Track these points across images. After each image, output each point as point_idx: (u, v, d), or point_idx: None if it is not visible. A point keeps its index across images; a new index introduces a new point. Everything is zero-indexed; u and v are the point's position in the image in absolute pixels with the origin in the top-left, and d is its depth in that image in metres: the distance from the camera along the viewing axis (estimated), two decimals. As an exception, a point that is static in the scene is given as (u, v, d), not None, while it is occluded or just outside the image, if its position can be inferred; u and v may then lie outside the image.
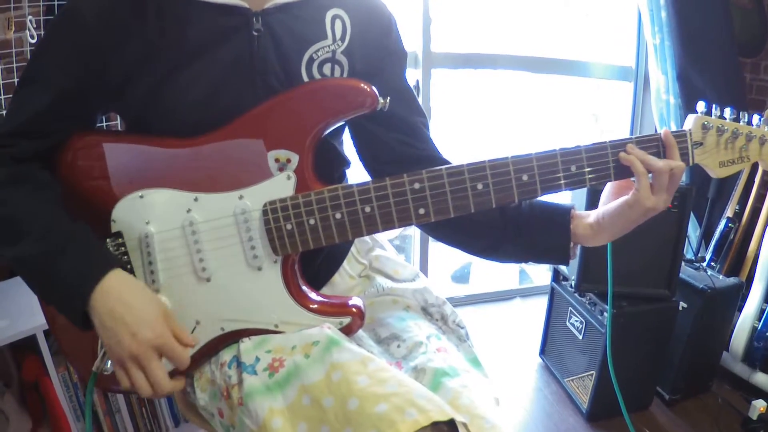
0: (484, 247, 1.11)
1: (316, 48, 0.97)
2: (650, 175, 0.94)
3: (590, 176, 0.94)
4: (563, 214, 1.03)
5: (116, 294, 0.86)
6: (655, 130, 2.81)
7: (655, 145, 0.95)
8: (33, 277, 0.90)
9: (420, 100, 2.60)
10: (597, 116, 3.60)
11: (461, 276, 3.44)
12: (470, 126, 3.56)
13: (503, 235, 1.07)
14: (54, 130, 0.94)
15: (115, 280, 0.87)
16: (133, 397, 1.89)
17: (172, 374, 0.93)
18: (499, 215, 1.03)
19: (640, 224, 0.99)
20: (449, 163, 1.01)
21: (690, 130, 0.96)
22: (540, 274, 3.48)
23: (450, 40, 2.88)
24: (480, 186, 0.92)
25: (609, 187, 1.02)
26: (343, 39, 0.99)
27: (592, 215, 1.02)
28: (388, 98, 0.93)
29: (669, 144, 0.95)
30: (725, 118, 0.96)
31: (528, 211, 1.04)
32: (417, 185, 0.92)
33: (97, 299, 0.85)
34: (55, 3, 1.83)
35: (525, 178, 0.92)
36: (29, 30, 1.81)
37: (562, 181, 0.93)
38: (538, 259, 1.10)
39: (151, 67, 0.91)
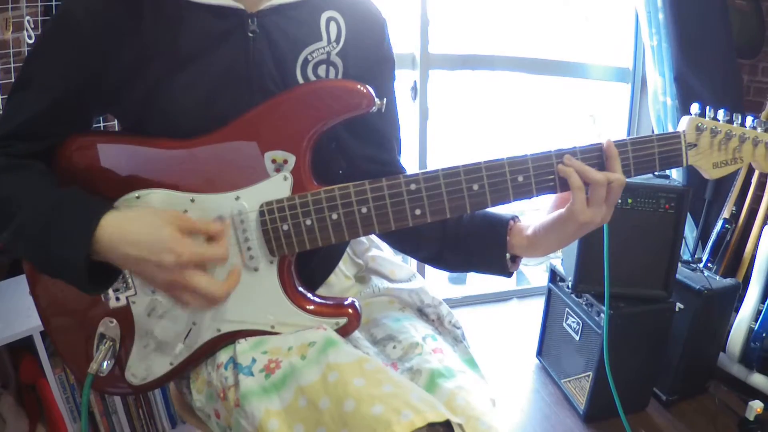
0: (426, 257, 1.12)
1: (311, 49, 0.97)
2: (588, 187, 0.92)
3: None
4: (501, 225, 1.02)
5: (120, 237, 0.82)
6: (652, 131, 2.84)
7: (598, 156, 0.94)
8: (32, 251, 0.87)
9: (418, 101, 2.61)
10: (594, 118, 3.61)
11: (458, 277, 3.44)
12: (468, 127, 3.56)
13: (444, 246, 1.08)
14: (50, 133, 0.94)
15: (111, 226, 0.83)
16: (129, 398, 1.89)
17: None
18: (441, 225, 1.02)
19: (582, 236, 0.96)
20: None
21: (684, 131, 0.96)
22: (537, 275, 3.48)
23: (448, 41, 2.89)
24: (476, 187, 0.92)
25: (553, 199, 1.00)
26: (338, 41, 0.99)
27: (531, 227, 1.00)
28: (385, 100, 0.93)
29: (610, 155, 0.93)
30: (719, 120, 0.96)
31: (468, 221, 1.04)
32: (413, 186, 0.92)
33: (106, 253, 0.82)
34: (53, 3, 1.83)
35: (520, 179, 0.93)
36: (27, 30, 1.81)
37: (557, 182, 0.94)
38: (479, 270, 1.09)
39: (148, 69, 0.90)
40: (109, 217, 0.83)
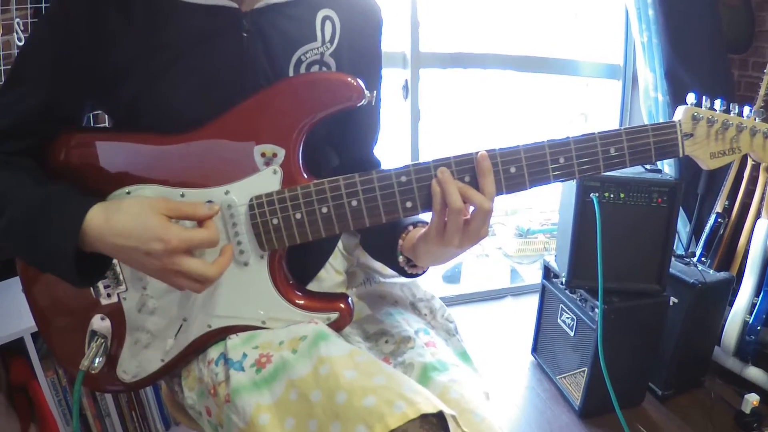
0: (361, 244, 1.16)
1: (304, 50, 0.96)
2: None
3: (579, 168, 0.93)
4: (400, 228, 1.00)
5: (108, 229, 0.83)
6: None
7: (471, 168, 0.89)
8: (22, 245, 0.88)
9: (409, 100, 2.61)
10: (586, 115, 3.62)
11: (452, 276, 3.44)
12: (459, 125, 3.57)
13: (364, 236, 1.11)
14: (41, 130, 0.93)
15: (98, 217, 0.84)
16: (122, 400, 1.88)
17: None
18: None
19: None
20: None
21: (680, 121, 0.94)
22: (531, 272, 3.48)
23: (438, 39, 2.89)
24: (467, 178, 0.91)
25: None
26: (332, 41, 0.98)
27: (418, 237, 0.96)
28: (375, 92, 0.93)
29: (481, 170, 0.89)
30: (715, 110, 0.95)
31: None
32: (404, 178, 0.91)
33: (95, 244, 0.84)
34: (43, 6, 1.82)
35: (513, 170, 0.91)
36: (17, 33, 1.80)
37: (551, 173, 0.92)
38: (387, 266, 1.08)
39: (138, 67, 0.90)
40: (97, 209, 0.85)
